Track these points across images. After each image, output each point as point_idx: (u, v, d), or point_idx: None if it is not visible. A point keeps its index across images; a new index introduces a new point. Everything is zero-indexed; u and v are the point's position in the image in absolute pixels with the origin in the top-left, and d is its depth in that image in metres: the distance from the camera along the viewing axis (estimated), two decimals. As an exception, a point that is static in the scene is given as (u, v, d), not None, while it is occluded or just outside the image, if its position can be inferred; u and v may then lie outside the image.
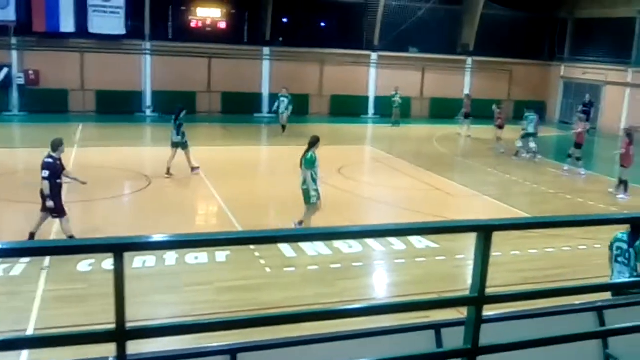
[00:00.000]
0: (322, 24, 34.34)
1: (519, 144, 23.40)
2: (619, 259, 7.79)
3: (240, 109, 30.07)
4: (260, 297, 9.60)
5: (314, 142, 12.62)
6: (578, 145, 20.56)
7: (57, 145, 11.37)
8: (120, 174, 17.75)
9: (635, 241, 7.53)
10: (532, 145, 23.06)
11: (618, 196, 17.45)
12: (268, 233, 2.76)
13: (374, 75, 33.43)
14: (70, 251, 2.27)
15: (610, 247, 8.18)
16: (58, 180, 11.28)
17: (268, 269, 10.70)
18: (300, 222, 12.31)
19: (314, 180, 12.44)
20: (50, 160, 11.19)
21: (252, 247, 11.01)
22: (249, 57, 31.14)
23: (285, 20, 33.29)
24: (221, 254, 11.05)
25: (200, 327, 2.56)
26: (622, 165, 17.71)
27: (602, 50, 33.62)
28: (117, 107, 28.44)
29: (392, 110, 30.39)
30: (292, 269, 10.81)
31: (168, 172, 17.14)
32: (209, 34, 30.69)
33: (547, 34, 36.86)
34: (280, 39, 32.55)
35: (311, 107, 31.71)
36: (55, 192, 11.15)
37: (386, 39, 32.99)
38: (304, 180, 12.43)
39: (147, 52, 29.62)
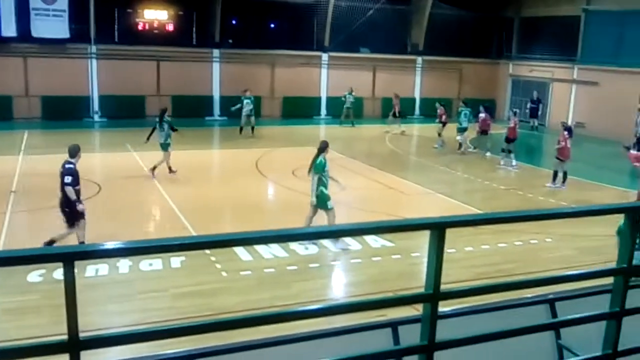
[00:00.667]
0: (272, 25, 34.24)
1: (458, 137, 24.16)
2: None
3: (191, 112, 29.69)
4: (216, 301, 9.52)
5: (323, 148, 12.60)
6: (510, 140, 21.36)
7: (75, 151, 11.38)
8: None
9: None
10: (458, 138, 24.09)
11: (555, 186, 18.05)
12: (223, 237, 2.72)
13: (326, 76, 33.52)
14: (19, 262, 2.21)
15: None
16: (77, 187, 11.24)
17: (224, 273, 10.62)
18: None
19: (325, 185, 12.33)
20: (72, 165, 11.17)
21: (207, 251, 10.92)
22: (198, 60, 30.86)
23: (234, 21, 33.13)
24: (176, 260, 10.92)
25: (156, 334, 2.52)
26: (559, 158, 18.39)
27: (549, 48, 34.39)
28: (64, 113, 27.78)
29: (343, 110, 30.50)
30: (249, 272, 10.75)
31: (171, 170, 17.67)
32: (156, 36, 30.25)
33: (495, 32, 37.54)
34: (230, 40, 32.34)
35: (263, 109, 31.58)
36: (78, 198, 11.20)
37: (337, 39, 33.11)
38: (317, 187, 12.29)
39: (93, 55, 29.02)
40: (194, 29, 32.14)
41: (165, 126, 17.84)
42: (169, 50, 29.91)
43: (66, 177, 10.98)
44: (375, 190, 17.86)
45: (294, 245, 11.85)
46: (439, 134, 25.41)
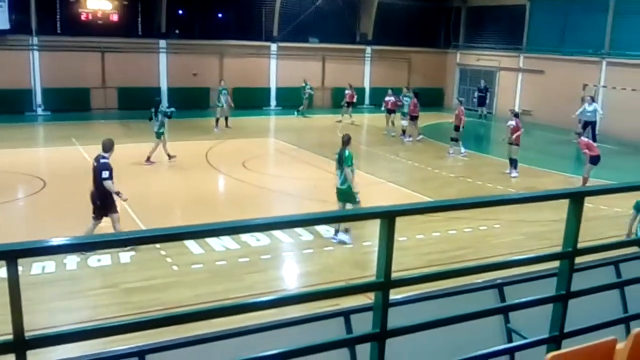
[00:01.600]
0: (220, 15, 33.88)
1: (404, 122, 24.70)
2: None
3: (138, 104, 29.06)
4: (168, 296, 9.42)
5: (347, 140, 12.38)
6: (457, 128, 21.59)
7: (110, 146, 11.37)
8: (11, 177, 16.85)
9: None
10: (404, 123, 24.68)
11: (512, 175, 18.31)
12: (173, 230, 2.68)
13: (275, 67, 33.39)
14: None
15: (637, 208, 10.74)
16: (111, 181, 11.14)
17: (175, 267, 10.51)
18: (347, 229, 12.02)
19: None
20: (106, 160, 11.12)
21: (157, 245, 10.79)
22: (145, 51, 30.34)
23: (180, 11, 32.65)
24: (125, 255, 10.76)
25: (105, 331, 2.48)
26: (515, 144, 18.68)
27: (495, 37, 34.96)
28: (6, 107, 26.87)
29: (302, 101, 30.66)
30: (200, 265, 10.67)
31: (170, 157, 18.75)
32: (100, 27, 29.46)
33: (442, 22, 37.98)
34: (177, 31, 31.87)
35: (212, 100, 31.21)
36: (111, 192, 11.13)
37: (285, 29, 33.02)
38: (343, 180, 12.03)
39: (35, 47, 28.22)
40: (140, 19, 31.59)
41: (160, 116, 18.55)
42: (114, 41, 29.31)
43: (103, 173, 10.95)
44: (326, 180, 17.84)
45: (245, 237, 11.81)
46: (392, 122, 25.78)
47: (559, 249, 3.87)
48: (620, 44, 27.64)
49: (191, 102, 30.10)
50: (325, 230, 12.55)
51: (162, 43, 30.64)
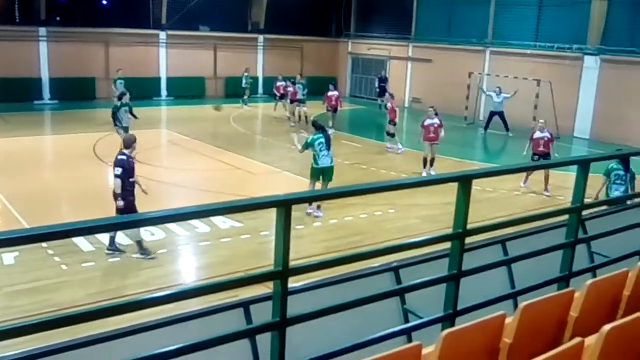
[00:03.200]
0: (104, 2, 32.61)
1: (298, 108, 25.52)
2: (617, 181, 11.51)
3: (16, 96, 27.62)
4: (58, 297, 9.04)
5: (320, 125, 13.99)
6: (392, 122, 21.20)
7: (131, 142, 10.75)
8: None
9: (627, 169, 11.47)
10: (304, 109, 25.28)
11: (398, 149, 19.51)
12: (60, 227, 2.57)
13: (165, 55, 32.60)
14: None
15: (607, 174, 11.68)
16: (131, 179, 10.48)
17: (64, 266, 10.10)
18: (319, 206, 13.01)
19: (315, 160, 13.49)
20: (124, 157, 10.42)
21: (44, 244, 10.32)
22: (23, 39, 28.62)
23: (61, -2, 31.22)
24: (8, 256, 10.21)
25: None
26: (391, 121, 20.29)
27: (385, 27, 35.61)
28: None
29: (244, 91, 30.82)
30: (92, 263, 10.31)
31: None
32: (-27, 14, 27.78)
33: (334, 11, 38.29)
34: (58, 18, 30.40)
35: (98, 91, 30.14)
36: (127, 191, 10.36)
37: (175, 17, 32.27)
38: (332, 159, 13.67)
39: None
40: (17, 5, 29.85)
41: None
42: (-12, 29, 27.62)
43: (116, 169, 10.48)
44: (221, 171, 17.74)
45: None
46: (292, 113, 25.85)
47: (450, 230, 4.01)
48: (502, 34, 28.95)
49: (76, 93, 28.97)
50: (222, 221, 12.44)
51: (42, 31, 29.07)
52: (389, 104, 21.48)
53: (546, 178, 15.71)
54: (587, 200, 4.87)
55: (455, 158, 20.10)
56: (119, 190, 10.46)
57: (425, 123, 17.73)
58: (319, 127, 13.74)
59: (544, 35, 27.22)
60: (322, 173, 13.41)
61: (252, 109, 30.80)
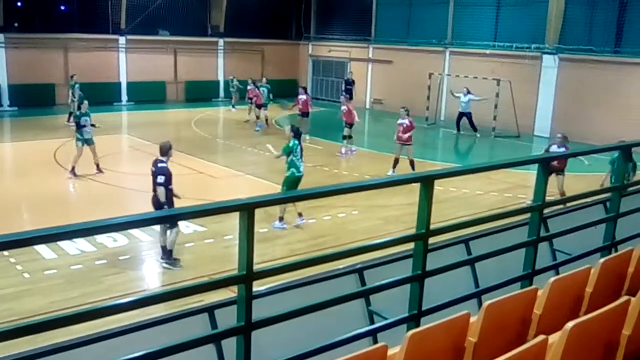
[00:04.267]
0: (62, 8, 32.16)
1: (264, 112, 25.63)
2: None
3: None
4: (20, 305, 8.86)
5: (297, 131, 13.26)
6: (348, 125, 20.99)
7: (167, 149, 10.62)
8: None
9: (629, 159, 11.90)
10: (266, 112, 25.53)
11: (352, 150, 19.97)
12: (20, 235, 2.53)
13: (125, 60, 32.22)
14: None
15: (612, 163, 12.45)
16: (170, 187, 10.24)
17: (26, 275, 9.91)
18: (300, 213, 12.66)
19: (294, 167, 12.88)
20: (164, 164, 10.27)
21: (5, 253, 10.11)
22: (-19, 46, 28.24)
23: (19, 4, 30.67)
24: (-32, 265, 10.02)
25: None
26: (348, 123, 20.42)
27: (345, 29, 35.73)
28: None
29: (232, 95, 30.90)
30: (54, 271, 10.13)
31: (98, 168, 16.93)
32: None
33: (294, 13, 38.31)
34: (16, 24, 29.94)
35: (58, 97, 29.66)
36: (169, 199, 10.16)
37: (134, 22, 31.94)
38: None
39: None
40: (-27, 12, 29.32)
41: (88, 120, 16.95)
42: (-56, 35, 27.03)
43: (159, 177, 10.25)
44: (183, 175, 17.52)
45: (101, 238, 11.36)
46: (258, 117, 25.66)
47: (413, 231, 4.04)
48: (461, 34, 29.28)
49: (36, 100, 28.48)
50: (185, 226, 12.34)
51: (0, 37, 28.58)
52: (343, 107, 21.25)
53: (562, 194, 13.66)
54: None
55: (416, 159, 20.22)
56: (163, 199, 10.24)
57: (397, 122, 17.84)
58: (297, 133, 13.10)
59: (503, 35, 27.61)
60: (299, 181, 12.92)
61: (214, 113, 30.65)
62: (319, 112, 30.46)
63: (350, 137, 20.88)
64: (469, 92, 25.58)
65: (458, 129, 26.13)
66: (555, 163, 13.91)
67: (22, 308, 8.75)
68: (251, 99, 26.40)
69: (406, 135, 17.53)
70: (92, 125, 17.19)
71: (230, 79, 31.55)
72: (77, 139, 16.73)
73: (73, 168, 16.51)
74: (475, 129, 25.51)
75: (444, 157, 22.79)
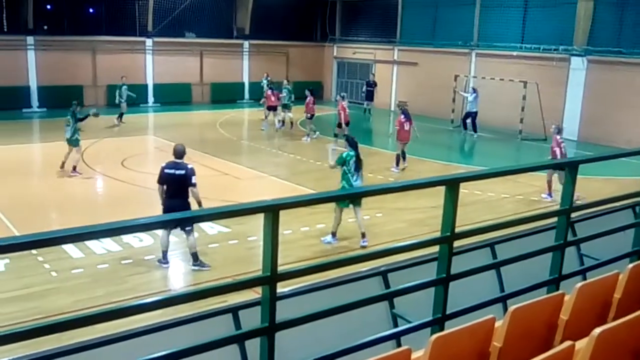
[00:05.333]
0: (91, 11, 32.56)
1: (290, 114, 25.31)
2: None
3: (5, 104, 27.57)
4: (47, 304, 8.97)
5: (354, 142, 12.29)
6: (340, 125, 21.26)
7: (183, 152, 10.75)
8: None
9: None
10: (289, 114, 25.19)
11: (399, 169, 18.68)
12: (50, 234, 2.56)
13: (151, 62, 32.53)
14: None
15: None
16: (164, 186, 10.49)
17: (54, 273, 10.04)
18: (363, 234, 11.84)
19: (347, 180, 11.99)
20: (192, 165, 10.67)
21: (34, 251, 10.27)
22: (11, 48, 28.57)
23: (49, 7, 31.12)
24: (-2, 263, 10.17)
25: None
26: (339, 124, 20.29)
27: (370, 31, 35.71)
28: None
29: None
30: (81, 270, 10.24)
31: (62, 166, 16.93)
32: (-40, 23, 27.68)
33: (319, 15, 38.37)
34: (45, 27, 30.38)
35: (86, 99, 30.02)
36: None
37: (161, 24, 32.25)
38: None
39: None
40: (4, 14, 29.82)
41: (72, 121, 16.86)
42: (-24, 38, 27.51)
43: (193, 178, 10.39)
44: (208, 177, 17.64)
45: (127, 238, 11.46)
46: (266, 117, 25.86)
47: (438, 234, 4.01)
48: (487, 36, 29.05)
49: (64, 101, 28.75)
50: (209, 227, 12.40)
51: (30, 39, 29.00)
52: (339, 107, 21.51)
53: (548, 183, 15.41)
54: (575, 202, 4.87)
55: (441, 161, 20.16)
56: (199, 198, 10.48)
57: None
58: (353, 143, 12.19)
59: (530, 36, 27.33)
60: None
61: (239, 114, 30.79)
62: (351, 115, 30.41)
63: (342, 135, 20.87)
64: (475, 91, 25.49)
65: (464, 127, 26.18)
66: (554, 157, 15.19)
67: (49, 306, 8.86)
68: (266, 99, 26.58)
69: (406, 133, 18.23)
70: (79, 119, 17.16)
71: (263, 79, 30.63)
72: (78, 140, 16.93)
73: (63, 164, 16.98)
74: (475, 130, 25.55)
75: (469, 159, 22.65)
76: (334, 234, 12.00)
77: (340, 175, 12.07)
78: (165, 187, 10.56)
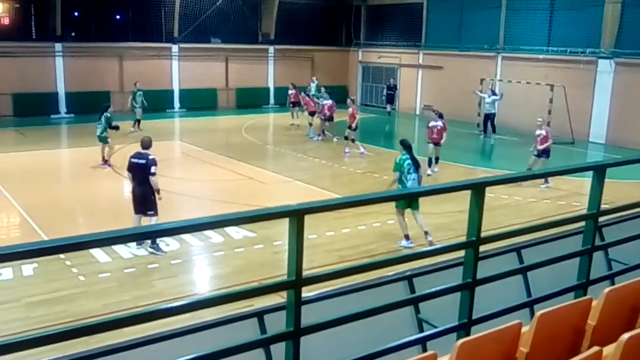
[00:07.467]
0: (118, 17, 32.97)
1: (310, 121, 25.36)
2: None
3: (34, 110, 28.03)
4: (75, 307, 9.08)
5: (409, 145, 12.43)
6: (350, 127, 21.36)
7: (150, 143, 11.59)
8: None
9: None
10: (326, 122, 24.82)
11: (361, 152, 19.55)
12: (77, 239, 2.59)
13: (177, 68, 32.81)
14: None
15: None
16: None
17: (81, 277, 10.16)
18: (426, 232, 11.91)
19: (404, 185, 12.04)
20: (153, 156, 11.33)
21: (62, 256, 10.40)
22: (39, 55, 29.05)
23: (76, 14, 31.53)
24: (28, 267, 10.29)
25: (11, 347, 2.37)
26: (350, 127, 20.76)
27: (395, 35, 35.69)
28: None
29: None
30: (108, 274, 10.35)
31: (105, 162, 18.56)
32: (-9, 31, 28.16)
33: (344, 20, 38.44)
34: (73, 33, 30.82)
35: (113, 105, 30.19)
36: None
37: (186, 30, 32.54)
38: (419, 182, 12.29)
39: None
40: (33, 22, 30.29)
41: (103, 120, 18.52)
42: (5, 45, 27.89)
43: (152, 168, 11.20)
44: (234, 181, 17.77)
45: (154, 243, 11.55)
46: (310, 124, 25.54)
47: (464, 238, 3.99)
48: (513, 39, 28.83)
49: (91, 107, 29.12)
50: (235, 231, 12.46)
51: (58, 46, 29.46)
52: (350, 109, 21.61)
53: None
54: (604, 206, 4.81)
55: (466, 165, 20.04)
56: (157, 187, 11.35)
57: (430, 125, 18.55)
58: (407, 146, 12.24)
59: (557, 39, 27.08)
60: (409, 199, 11.80)
61: (264, 119, 30.91)
62: (369, 119, 30.47)
63: (348, 138, 21.49)
64: (493, 93, 25.35)
65: (485, 130, 26.24)
66: (541, 145, 17.18)
67: (77, 310, 8.96)
68: (293, 103, 26.56)
69: (439, 136, 18.31)
70: (114, 127, 18.70)
71: (311, 84, 30.71)
72: (107, 137, 18.47)
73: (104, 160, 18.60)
74: (494, 131, 25.73)
75: (496, 163, 22.49)
76: (407, 237, 12.05)
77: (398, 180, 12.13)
78: (131, 175, 11.59)
